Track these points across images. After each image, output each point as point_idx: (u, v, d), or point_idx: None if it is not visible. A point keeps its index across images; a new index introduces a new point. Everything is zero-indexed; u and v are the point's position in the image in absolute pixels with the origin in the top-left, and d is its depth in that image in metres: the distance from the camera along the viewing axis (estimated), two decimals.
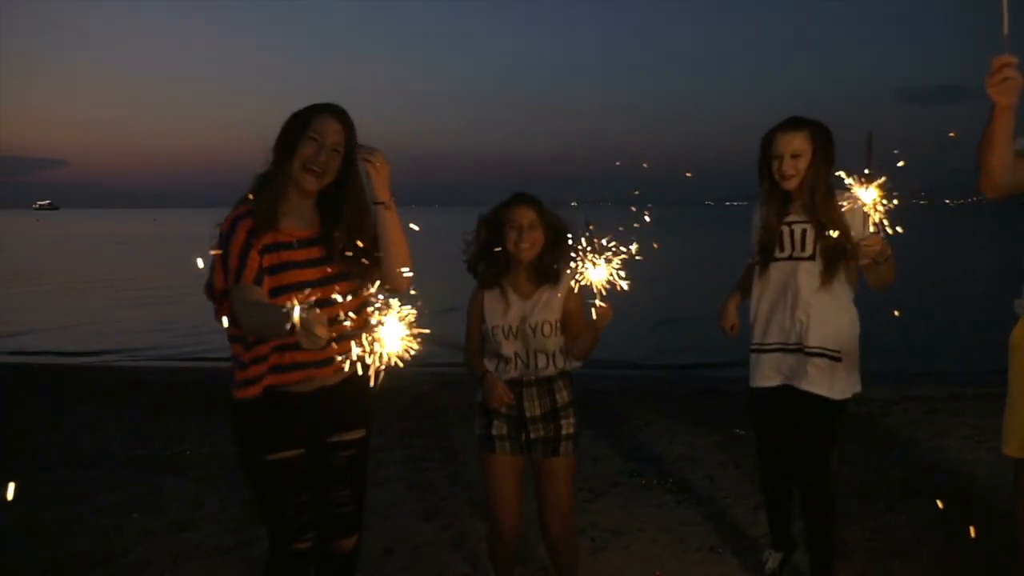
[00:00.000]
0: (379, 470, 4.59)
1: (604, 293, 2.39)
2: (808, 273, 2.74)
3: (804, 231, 2.75)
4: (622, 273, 2.37)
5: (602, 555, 3.44)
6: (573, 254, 2.44)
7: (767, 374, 2.86)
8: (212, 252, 2.15)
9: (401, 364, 1.80)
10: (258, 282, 2.11)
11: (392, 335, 1.77)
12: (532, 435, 2.72)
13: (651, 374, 8.26)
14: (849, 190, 2.37)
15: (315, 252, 2.22)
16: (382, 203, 2.24)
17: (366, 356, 1.77)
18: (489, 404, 2.72)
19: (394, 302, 1.82)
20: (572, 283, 2.59)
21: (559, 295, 2.70)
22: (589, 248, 2.39)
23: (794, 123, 2.74)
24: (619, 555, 3.44)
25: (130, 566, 3.40)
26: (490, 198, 2.88)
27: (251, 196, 2.17)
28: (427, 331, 1.80)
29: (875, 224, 2.36)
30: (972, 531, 3.17)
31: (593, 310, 2.45)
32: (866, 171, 2.32)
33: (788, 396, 2.82)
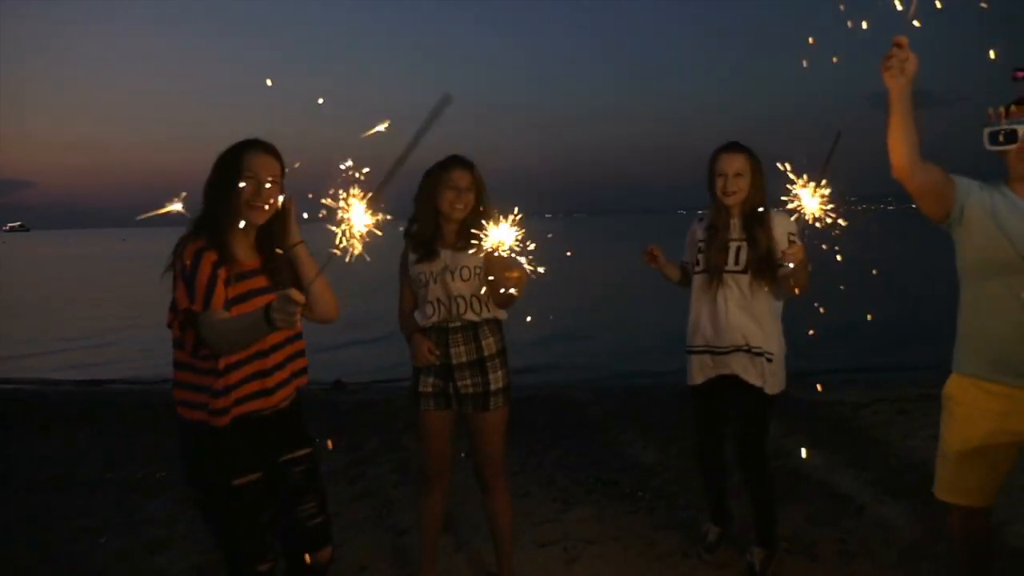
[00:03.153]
0: (355, 485, 4.59)
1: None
2: (743, 285, 3.05)
3: (739, 247, 3.06)
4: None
5: (576, 565, 3.46)
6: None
7: (698, 372, 3.19)
8: (174, 287, 2.16)
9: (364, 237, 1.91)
10: (226, 309, 2.17)
11: (358, 217, 1.90)
12: (461, 388, 2.87)
13: (625, 383, 8.31)
14: (793, 192, 2.49)
15: (266, 280, 2.29)
16: (300, 243, 2.31)
17: (342, 240, 1.89)
18: (416, 363, 2.90)
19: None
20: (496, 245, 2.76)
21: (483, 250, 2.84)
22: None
23: (736, 146, 3.09)
24: (592, 564, 3.46)
25: None
26: None
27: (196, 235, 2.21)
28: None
29: (793, 236, 2.63)
30: None
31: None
32: (819, 173, 2.43)
33: (722, 388, 3.15)
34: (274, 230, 2.31)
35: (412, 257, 2.95)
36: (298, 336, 2.38)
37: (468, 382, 2.87)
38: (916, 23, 2.01)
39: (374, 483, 4.64)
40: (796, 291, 2.93)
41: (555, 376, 9.70)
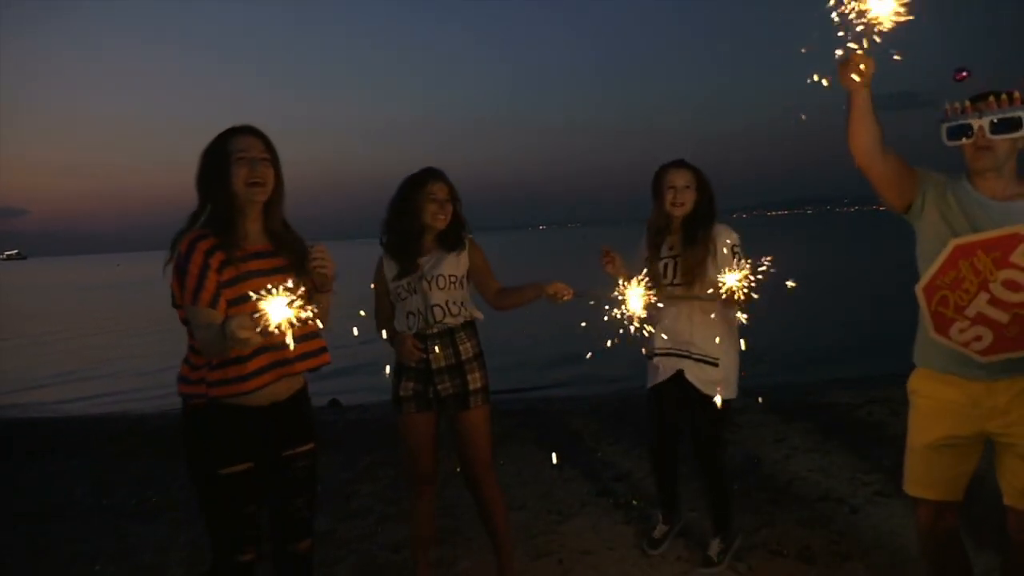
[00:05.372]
0: (349, 503, 4.58)
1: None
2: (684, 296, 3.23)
3: (667, 264, 3.28)
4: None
5: None
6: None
7: (655, 373, 3.35)
8: (170, 274, 2.23)
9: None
10: (213, 304, 2.20)
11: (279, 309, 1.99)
12: (441, 391, 2.94)
13: (619, 393, 8.29)
14: (720, 280, 2.87)
15: (275, 262, 2.35)
16: (329, 292, 2.42)
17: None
18: (403, 361, 2.98)
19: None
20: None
21: (464, 254, 3.02)
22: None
23: (682, 162, 3.32)
24: (587, 574, 3.45)
25: None
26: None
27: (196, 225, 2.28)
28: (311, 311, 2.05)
29: (736, 247, 3.00)
30: None
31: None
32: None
33: (678, 389, 3.29)
34: (278, 214, 2.38)
35: (391, 271, 3.04)
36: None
37: (447, 384, 2.97)
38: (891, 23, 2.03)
39: (368, 500, 4.63)
40: (735, 306, 3.05)
41: (550, 389, 9.71)
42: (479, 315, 3.07)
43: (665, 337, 3.29)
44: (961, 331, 2.28)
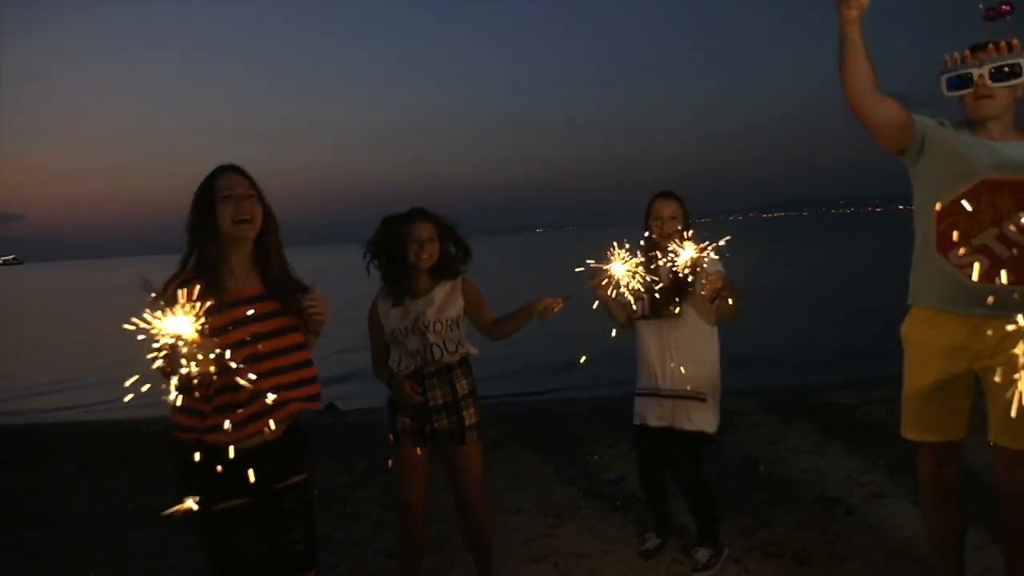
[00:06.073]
0: (345, 508, 4.58)
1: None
2: (677, 328, 3.29)
3: (668, 291, 3.28)
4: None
5: None
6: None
7: (645, 415, 3.40)
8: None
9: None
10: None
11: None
12: (437, 426, 3.01)
13: (617, 397, 8.30)
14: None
15: (267, 306, 2.33)
16: (318, 335, 2.47)
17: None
18: (404, 402, 2.99)
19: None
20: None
21: (458, 294, 3.04)
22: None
23: (668, 194, 3.38)
24: None
25: None
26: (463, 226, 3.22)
27: (186, 268, 2.27)
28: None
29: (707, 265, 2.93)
30: None
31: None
32: None
33: (664, 430, 3.34)
34: (275, 255, 2.38)
35: (385, 309, 3.05)
36: (294, 367, 2.35)
37: (444, 421, 3.01)
38: None
39: (364, 505, 4.63)
40: (725, 320, 3.20)
41: (548, 393, 9.71)
42: (474, 351, 3.11)
43: (650, 375, 3.36)
44: (961, 255, 2.34)
